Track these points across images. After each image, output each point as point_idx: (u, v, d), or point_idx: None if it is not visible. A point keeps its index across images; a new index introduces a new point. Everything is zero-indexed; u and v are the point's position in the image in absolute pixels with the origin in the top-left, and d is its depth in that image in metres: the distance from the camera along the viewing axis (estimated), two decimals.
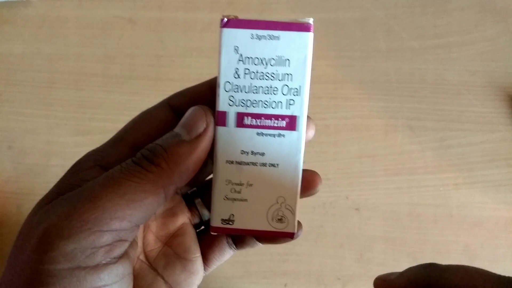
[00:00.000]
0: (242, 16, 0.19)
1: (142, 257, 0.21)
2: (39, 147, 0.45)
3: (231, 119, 0.19)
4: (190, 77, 0.48)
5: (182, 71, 0.48)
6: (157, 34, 0.49)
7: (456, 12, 0.50)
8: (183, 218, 0.22)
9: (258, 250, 0.43)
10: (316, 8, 0.51)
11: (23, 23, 0.50)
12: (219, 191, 0.20)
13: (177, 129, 0.19)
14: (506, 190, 0.45)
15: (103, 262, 0.17)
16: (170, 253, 0.22)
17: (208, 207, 0.22)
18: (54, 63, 0.48)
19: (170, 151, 0.18)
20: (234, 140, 0.19)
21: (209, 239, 0.23)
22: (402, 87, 0.48)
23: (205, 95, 0.21)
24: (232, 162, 0.19)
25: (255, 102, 0.18)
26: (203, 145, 0.19)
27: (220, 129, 0.19)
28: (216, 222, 0.20)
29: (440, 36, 0.50)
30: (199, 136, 0.18)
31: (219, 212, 0.20)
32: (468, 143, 0.46)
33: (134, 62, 0.48)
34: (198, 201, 0.23)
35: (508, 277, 0.17)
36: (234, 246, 0.23)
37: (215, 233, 0.21)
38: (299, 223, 0.21)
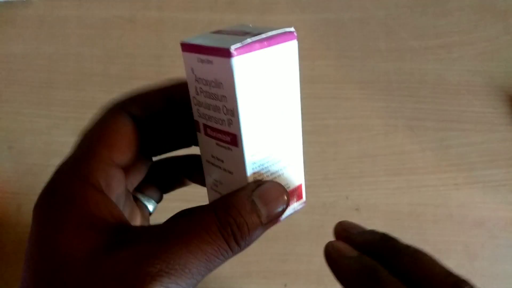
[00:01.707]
0: (214, 28, 0.20)
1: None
2: (39, 147, 0.45)
3: (201, 128, 0.21)
4: None
5: (182, 71, 0.47)
6: (157, 34, 0.49)
7: (456, 12, 0.50)
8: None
9: (258, 250, 0.43)
10: (316, 8, 0.51)
11: (23, 23, 0.50)
12: (208, 183, 0.23)
13: (262, 209, 0.19)
14: (506, 190, 0.45)
15: None
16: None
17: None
18: (54, 63, 0.48)
19: (250, 235, 0.19)
20: (206, 145, 0.21)
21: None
22: (402, 87, 0.48)
23: (158, 103, 0.22)
24: (209, 162, 0.22)
25: (210, 117, 0.20)
26: (274, 224, 0.20)
27: (198, 134, 0.21)
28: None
29: (440, 36, 0.50)
30: (276, 219, 0.19)
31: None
32: (468, 143, 0.46)
33: (134, 62, 0.48)
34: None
35: (457, 277, 0.17)
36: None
37: None
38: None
